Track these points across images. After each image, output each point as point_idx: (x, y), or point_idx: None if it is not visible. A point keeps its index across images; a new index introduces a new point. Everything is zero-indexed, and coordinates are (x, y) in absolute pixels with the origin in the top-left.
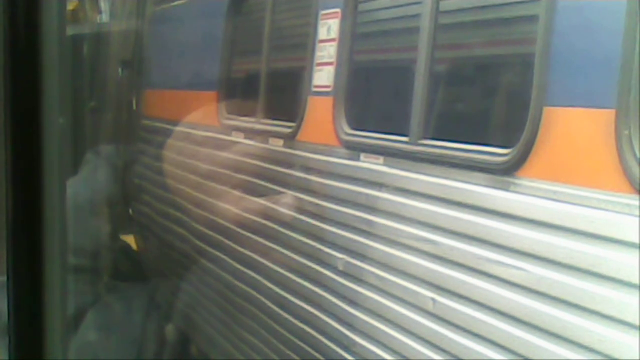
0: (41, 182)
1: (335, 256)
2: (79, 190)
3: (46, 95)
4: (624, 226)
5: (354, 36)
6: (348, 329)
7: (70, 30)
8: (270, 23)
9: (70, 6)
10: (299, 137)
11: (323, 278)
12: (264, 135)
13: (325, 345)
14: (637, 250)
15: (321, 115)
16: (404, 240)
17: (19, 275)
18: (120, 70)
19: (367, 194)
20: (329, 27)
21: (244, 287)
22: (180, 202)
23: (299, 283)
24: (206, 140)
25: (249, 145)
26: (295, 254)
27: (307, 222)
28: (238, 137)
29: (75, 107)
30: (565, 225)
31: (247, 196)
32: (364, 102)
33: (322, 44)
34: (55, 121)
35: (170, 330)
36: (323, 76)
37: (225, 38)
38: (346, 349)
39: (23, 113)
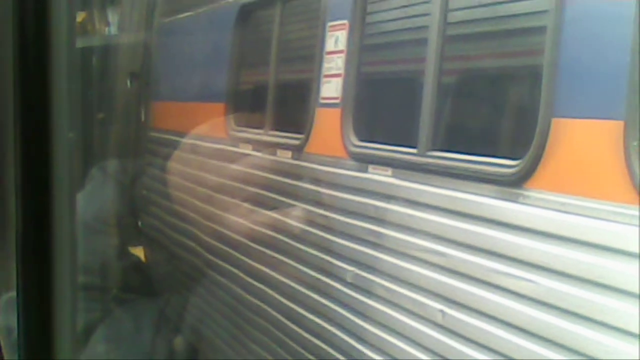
0: (51, 198)
1: (344, 268)
2: (85, 208)
3: (55, 109)
4: (633, 238)
5: (362, 48)
6: (357, 341)
7: (79, 43)
8: (278, 35)
9: (78, 18)
10: (307, 148)
11: (332, 290)
12: (272, 147)
13: (334, 357)
14: None
15: (329, 127)
16: (413, 252)
17: (28, 290)
18: (128, 82)
19: (375, 206)
20: (337, 38)
21: (252, 299)
22: (188, 214)
23: (307, 295)
24: (214, 152)
25: (257, 157)
26: (304, 266)
27: (316, 234)
28: (246, 149)
29: (84, 119)
30: (574, 237)
31: (255, 208)
32: (372, 114)
33: (329, 56)
34: (64, 136)
35: (178, 342)
36: (331, 88)
37: (233, 50)
38: None
39: (33, 127)
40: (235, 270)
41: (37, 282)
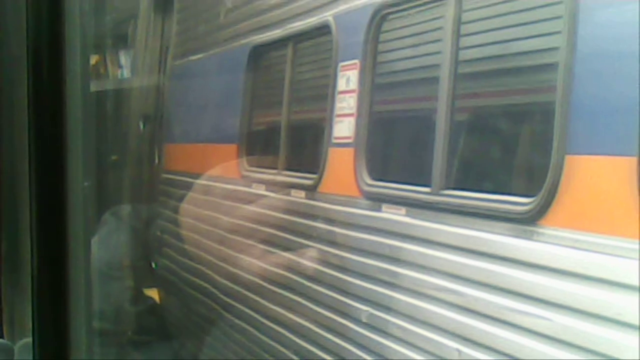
0: (66, 245)
1: (358, 308)
2: (99, 254)
3: (71, 159)
4: None
5: (374, 87)
6: None
7: (92, 86)
8: (289, 76)
9: (91, 61)
10: (320, 188)
11: (347, 330)
12: (286, 187)
13: None
14: None
15: (342, 166)
16: (428, 291)
17: (44, 336)
18: (141, 124)
19: (389, 245)
20: (348, 78)
21: (268, 340)
22: (202, 255)
23: (322, 336)
24: (227, 193)
25: (270, 197)
26: (319, 306)
27: (330, 274)
28: (259, 189)
29: (98, 163)
30: (590, 274)
31: (269, 249)
32: (385, 153)
33: (341, 96)
34: (80, 185)
35: None
36: (343, 127)
37: (245, 91)
38: None
39: (48, 176)
40: (251, 312)
41: (52, 328)
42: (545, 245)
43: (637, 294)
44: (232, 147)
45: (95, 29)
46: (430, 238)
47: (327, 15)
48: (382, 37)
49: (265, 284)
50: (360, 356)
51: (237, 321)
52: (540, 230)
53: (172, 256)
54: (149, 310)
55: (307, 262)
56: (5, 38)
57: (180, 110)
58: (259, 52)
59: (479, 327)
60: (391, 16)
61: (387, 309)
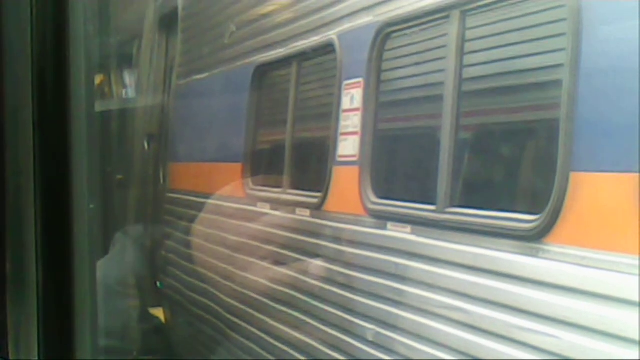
0: (72, 265)
1: (364, 327)
2: (109, 270)
3: (76, 181)
4: None
5: (378, 105)
6: None
7: (96, 106)
8: (294, 94)
9: (96, 81)
10: (325, 207)
11: (353, 349)
12: (290, 205)
13: None
14: None
15: (347, 184)
16: (434, 309)
17: (49, 356)
18: (146, 144)
19: (395, 263)
20: (352, 96)
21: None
22: (207, 274)
23: (329, 355)
24: (232, 212)
25: (275, 215)
26: (325, 325)
27: (336, 293)
28: (264, 208)
29: (104, 182)
30: (596, 292)
31: (274, 267)
32: (390, 171)
33: (346, 114)
34: (85, 207)
35: None
36: (348, 146)
37: (249, 110)
38: None
39: (54, 199)
40: (256, 331)
41: (58, 349)
42: (551, 263)
43: None
44: (237, 166)
45: (100, 49)
46: (435, 256)
47: (331, 34)
48: (386, 55)
49: (271, 303)
50: None
51: (242, 340)
52: (546, 247)
53: (178, 275)
54: (154, 330)
55: (313, 281)
56: (10, 59)
57: (185, 129)
58: (263, 71)
59: (486, 345)
60: (395, 34)
61: (393, 327)
